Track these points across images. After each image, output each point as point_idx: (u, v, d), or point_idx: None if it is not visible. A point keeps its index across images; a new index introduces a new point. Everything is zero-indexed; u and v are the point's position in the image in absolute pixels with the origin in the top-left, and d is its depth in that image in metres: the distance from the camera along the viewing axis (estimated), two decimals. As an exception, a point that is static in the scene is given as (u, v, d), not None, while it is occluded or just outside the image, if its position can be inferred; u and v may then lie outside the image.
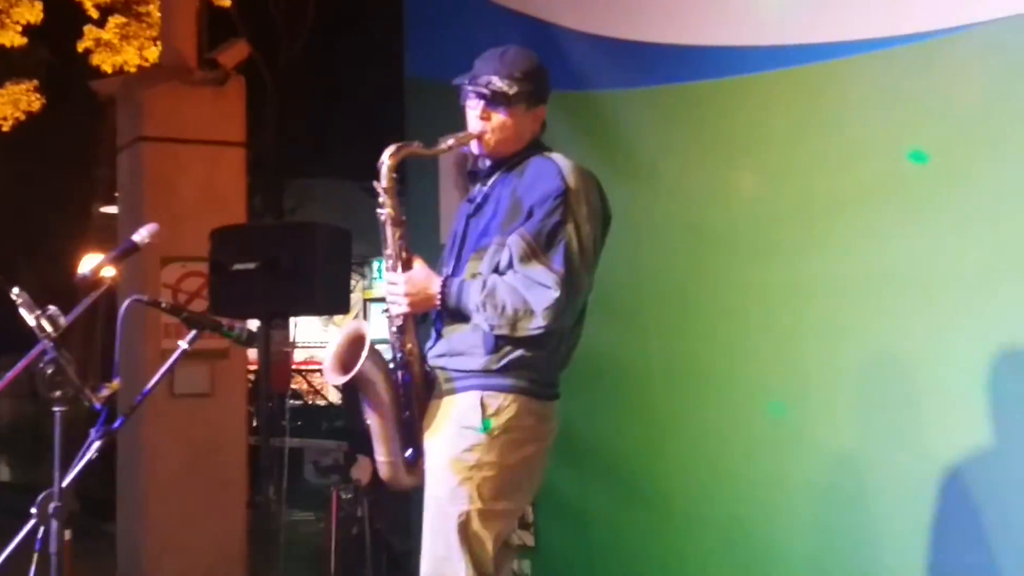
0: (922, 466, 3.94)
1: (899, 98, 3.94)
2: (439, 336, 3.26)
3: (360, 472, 6.98)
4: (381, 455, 3.33)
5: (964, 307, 3.83)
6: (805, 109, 4.24)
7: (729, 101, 4.48)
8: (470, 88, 3.25)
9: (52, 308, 2.82)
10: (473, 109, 3.27)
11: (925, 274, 3.92)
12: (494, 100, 3.21)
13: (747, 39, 4.39)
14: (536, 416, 3.19)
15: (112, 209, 11.59)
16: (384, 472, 3.36)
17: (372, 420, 3.30)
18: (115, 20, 12.64)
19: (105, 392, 2.86)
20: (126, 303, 3.17)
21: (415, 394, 3.27)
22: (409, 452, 3.29)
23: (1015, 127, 3.68)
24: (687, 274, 4.63)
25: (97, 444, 2.90)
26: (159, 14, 12.38)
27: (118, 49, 12.59)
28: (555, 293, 3.06)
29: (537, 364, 3.17)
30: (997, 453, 3.74)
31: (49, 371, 2.80)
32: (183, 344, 3.15)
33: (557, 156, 3.24)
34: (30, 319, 2.80)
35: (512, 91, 3.20)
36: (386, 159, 3.26)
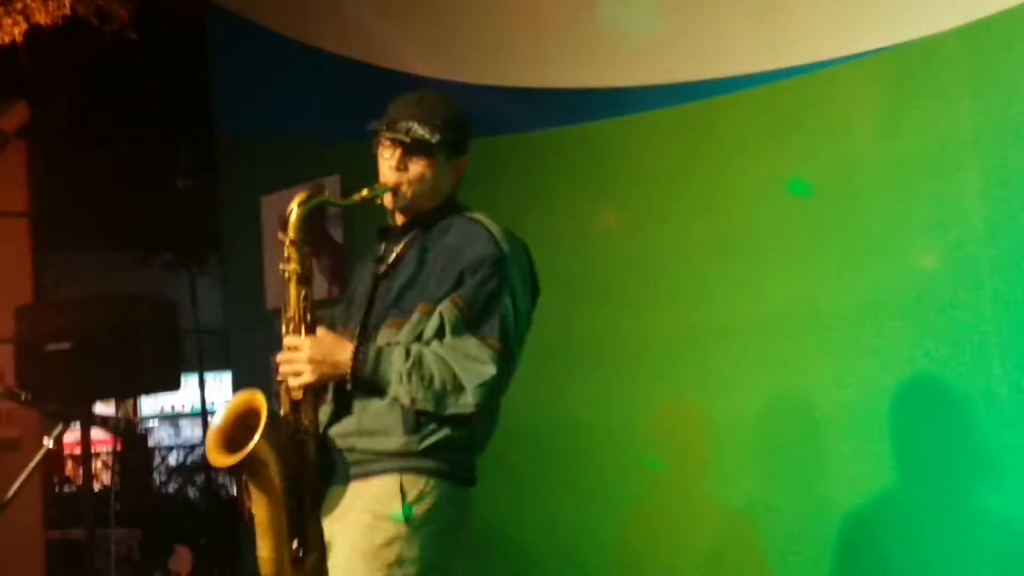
0: (825, 515, 3.78)
1: (783, 134, 3.82)
2: (345, 411, 2.87)
3: (179, 564, 6.48)
4: (264, 550, 2.89)
5: (857, 346, 3.71)
6: (685, 149, 4.08)
7: (604, 144, 4.29)
8: (388, 135, 2.90)
9: None
10: (388, 159, 2.91)
11: (815, 313, 3.79)
12: (413, 149, 2.88)
13: (622, 80, 4.21)
14: (456, 504, 2.85)
15: None
16: (266, 570, 2.92)
17: (259, 509, 2.87)
18: None
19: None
20: (-24, 397, 2.67)
21: (308, 478, 2.87)
22: (296, 546, 2.88)
23: (902, 159, 3.60)
24: (561, 326, 4.35)
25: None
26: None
27: None
28: (490, 370, 2.74)
29: (460, 446, 2.83)
30: (905, 496, 3.61)
31: None
32: (48, 442, 2.67)
33: (483, 218, 2.93)
34: None
35: (434, 139, 2.88)
36: (295, 208, 2.89)
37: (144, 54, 13.47)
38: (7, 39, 11.82)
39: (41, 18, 11.91)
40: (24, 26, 11.94)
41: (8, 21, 11.86)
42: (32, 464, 2.69)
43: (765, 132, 3.86)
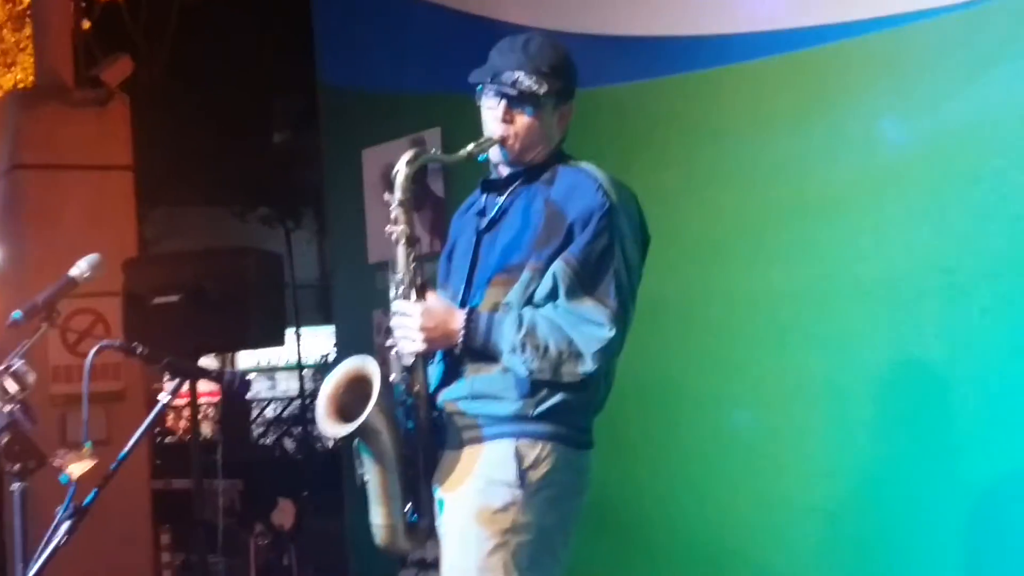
0: (952, 491, 3.62)
1: (910, 80, 3.64)
2: (457, 376, 2.79)
3: (282, 517, 6.52)
4: (379, 516, 2.82)
5: (989, 309, 3.51)
6: (799, 98, 3.92)
7: (713, 94, 4.14)
8: (492, 86, 2.79)
9: (19, 363, 2.30)
10: (492, 109, 2.80)
11: (943, 273, 3.61)
12: (519, 100, 2.77)
13: (728, 26, 4.06)
14: (574, 468, 2.77)
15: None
16: (381, 537, 2.84)
17: (372, 475, 2.80)
18: (-39, 47, 11.82)
19: (75, 461, 2.34)
20: (95, 349, 2.65)
21: (420, 444, 2.80)
22: (409, 511, 2.81)
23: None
24: (661, 283, 4.24)
25: (67, 525, 2.38)
26: (12, 39, 11.73)
27: (-33, 76, 11.77)
28: (608, 332, 2.64)
29: (577, 409, 2.75)
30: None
31: (5, 439, 2.27)
32: (164, 396, 2.64)
33: (590, 166, 2.82)
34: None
35: (542, 89, 2.76)
36: (402, 167, 2.78)
37: (244, 6, 13.58)
38: (109, -6, 12.00)
39: (142, -27, 12.07)
40: (125, -20, 12.12)
41: (110, -26, 12.03)
42: (149, 418, 2.66)
43: (889, 78, 3.68)
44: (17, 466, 2.35)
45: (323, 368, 15.79)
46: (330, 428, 2.75)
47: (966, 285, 3.55)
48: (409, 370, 2.78)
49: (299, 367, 18.07)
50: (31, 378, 2.34)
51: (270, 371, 21.22)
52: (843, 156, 3.83)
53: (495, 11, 4.94)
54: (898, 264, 3.70)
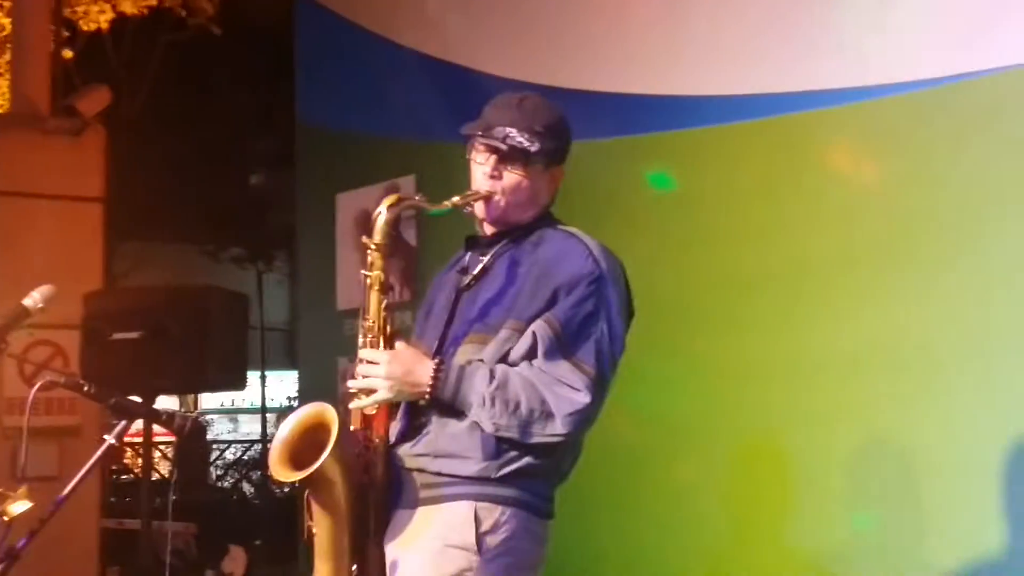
0: (924, 567, 3.55)
1: (880, 152, 3.64)
2: (419, 430, 2.67)
3: (233, 565, 6.40)
4: (323, 573, 2.69)
5: (969, 386, 3.47)
6: (772, 163, 3.90)
7: (687, 155, 4.11)
8: (482, 140, 2.71)
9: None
10: (482, 164, 2.72)
11: (922, 347, 3.56)
12: (510, 156, 2.69)
13: (702, 87, 4.04)
14: (534, 537, 2.65)
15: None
16: (327, 596, 2.74)
17: (320, 529, 2.68)
18: (-58, 69, 11.70)
19: (13, 504, 2.25)
20: (39, 384, 2.56)
21: (374, 500, 2.68)
22: (356, 571, 2.69)
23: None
24: (635, 347, 4.20)
25: (-1, 567, 2.28)
26: (-7, 63, 11.65)
27: (-57, 100, 11.64)
28: (583, 397, 2.54)
29: (541, 475, 2.64)
30: (1019, 562, 3.34)
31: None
32: (109, 438, 2.55)
33: (580, 233, 2.74)
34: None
35: (533, 147, 2.68)
36: (383, 210, 2.70)
37: (228, 46, 13.55)
38: (93, 26, 11.95)
39: (127, 7, 12.04)
40: (111, 14, 12.08)
41: (95, 8, 11.99)
42: (92, 460, 2.56)
43: (865, 149, 3.67)
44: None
45: (287, 412, 15.64)
46: (282, 474, 2.64)
47: (943, 361, 3.50)
48: (369, 421, 2.67)
49: (263, 410, 17.88)
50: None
51: (233, 413, 21.00)
52: (818, 225, 3.78)
53: (475, 61, 4.92)
54: (872, 337, 3.64)
